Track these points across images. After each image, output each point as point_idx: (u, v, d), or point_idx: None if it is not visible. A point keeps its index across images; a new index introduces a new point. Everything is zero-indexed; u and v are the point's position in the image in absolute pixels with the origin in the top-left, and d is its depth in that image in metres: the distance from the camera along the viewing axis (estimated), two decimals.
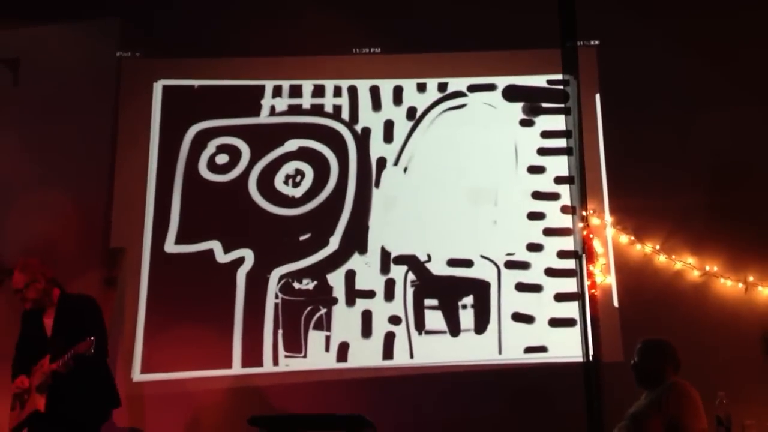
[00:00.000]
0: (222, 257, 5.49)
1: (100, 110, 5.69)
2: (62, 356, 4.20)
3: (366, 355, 5.28)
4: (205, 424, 5.11)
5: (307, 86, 5.80)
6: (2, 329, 4.84)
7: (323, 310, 5.37)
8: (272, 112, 5.76)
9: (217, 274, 5.44)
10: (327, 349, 5.30)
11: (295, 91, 5.79)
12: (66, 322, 4.36)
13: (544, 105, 5.70)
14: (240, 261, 5.48)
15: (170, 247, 5.52)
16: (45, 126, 5.61)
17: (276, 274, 5.45)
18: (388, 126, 5.71)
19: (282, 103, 5.78)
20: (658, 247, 5.29)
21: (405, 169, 5.63)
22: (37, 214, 5.42)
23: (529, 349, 5.24)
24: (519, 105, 5.71)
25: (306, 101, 5.78)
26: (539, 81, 5.74)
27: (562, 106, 5.66)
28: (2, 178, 5.52)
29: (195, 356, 5.26)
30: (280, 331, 5.35)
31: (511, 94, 5.72)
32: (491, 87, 5.75)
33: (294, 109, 5.77)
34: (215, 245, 5.51)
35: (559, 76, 5.71)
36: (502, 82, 5.75)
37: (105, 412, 4.54)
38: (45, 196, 5.41)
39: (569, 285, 5.32)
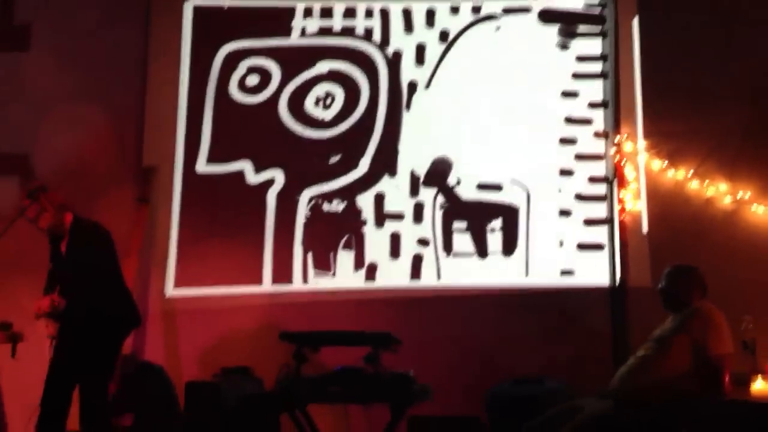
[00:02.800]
0: (252, 177, 5.54)
1: (132, 28, 5.69)
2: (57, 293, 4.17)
3: (394, 275, 5.35)
4: (236, 338, 5.24)
5: (339, 7, 5.73)
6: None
7: (353, 231, 5.42)
8: (303, 33, 5.72)
9: (247, 194, 5.50)
10: (356, 268, 5.38)
11: (326, 13, 5.73)
12: (73, 252, 4.23)
13: (580, 28, 5.57)
14: (270, 182, 5.53)
15: (202, 166, 5.58)
16: (78, 43, 5.63)
17: (306, 194, 5.50)
18: (420, 49, 5.64)
19: (313, 25, 5.73)
20: (691, 172, 5.22)
21: (436, 93, 5.58)
22: (71, 131, 5.49)
23: (556, 273, 5.26)
24: (554, 28, 5.59)
25: (337, 23, 5.73)
26: (576, 3, 5.60)
27: (599, 29, 5.52)
28: (36, 95, 5.57)
29: (226, 273, 5.38)
30: (310, 251, 5.42)
31: (547, 16, 5.58)
32: (526, 9, 5.64)
33: (325, 31, 5.72)
34: (246, 165, 5.55)
35: None
36: (537, 4, 5.62)
37: (123, 331, 4.41)
38: (78, 113, 5.47)
39: (599, 210, 5.28)
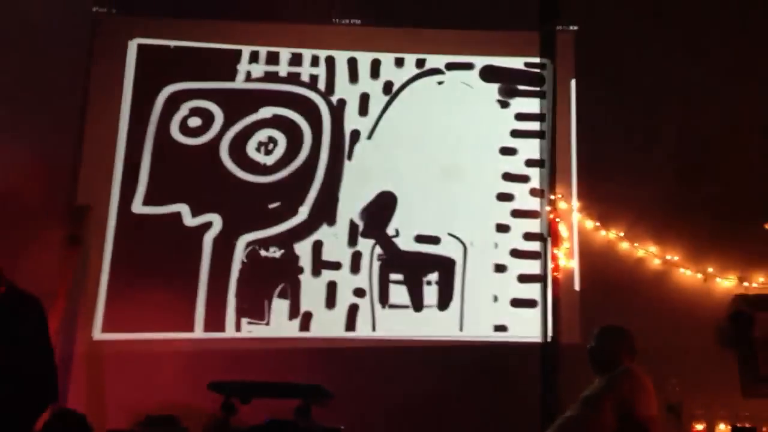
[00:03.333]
0: (190, 221, 5.46)
1: (73, 64, 5.58)
2: None
3: (329, 325, 5.31)
4: (165, 385, 5.09)
5: (285, 54, 5.75)
6: None
7: (288, 279, 5.38)
8: (248, 77, 5.72)
9: (183, 238, 5.41)
10: (290, 317, 5.32)
11: (273, 58, 5.75)
12: (4, 326, 3.92)
13: (520, 87, 5.72)
14: (208, 225, 5.46)
15: (138, 207, 5.47)
16: (15, 79, 5.50)
17: (243, 240, 5.44)
18: (364, 99, 5.70)
19: (258, 69, 5.74)
20: (622, 234, 5.38)
21: (378, 143, 5.63)
22: (2, 167, 5.33)
23: (489, 328, 5.31)
24: (495, 85, 5.72)
25: (283, 69, 5.75)
26: (517, 63, 5.76)
27: (538, 89, 5.69)
28: None
29: (157, 318, 5.24)
30: (245, 298, 5.35)
31: (488, 74, 5.73)
32: (469, 66, 5.76)
33: (270, 76, 5.73)
34: (183, 208, 5.47)
35: (537, 59, 5.73)
36: (480, 61, 5.75)
37: (41, 406, 4.33)
38: (11, 149, 5.31)
39: (533, 267, 5.38)
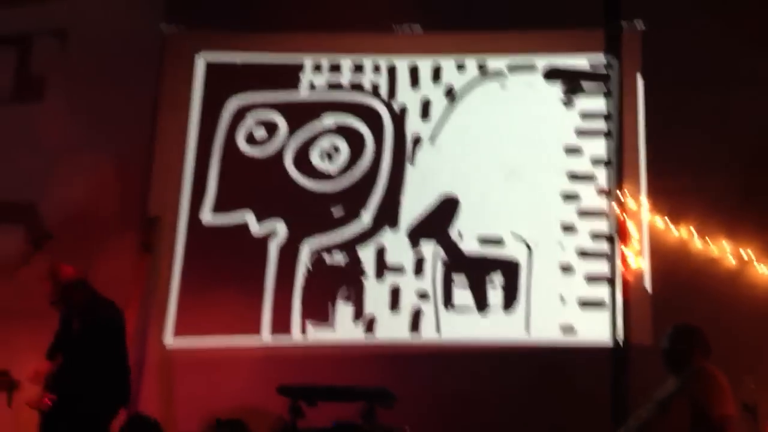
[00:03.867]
0: (256, 228, 5.57)
1: (144, 80, 5.82)
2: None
3: (393, 329, 5.32)
4: (233, 388, 5.18)
5: (347, 63, 5.83)
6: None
7: (352, 284, 5.41)
8: (311, 87, 5.81)
9: (250, 245, 5.53)
10: (355, 321, 5.35)
11: (335, 68, 5.83)
12: (86, 333, 4.18)
13: (585, 86, 5.62)
14: (273, 232, 5.56)
15: (206, 216, 5.63)
16: (90, 94, 5.77)
17: (307, 246, 5.51)
18: (426, 104, 5.71)
19: (321, 79, 5.83)
20: (693, 231, 5.18)
21: (440, 147, 5.62)
22: (78, 180, 5.58)
23: (557, 330, 5.20)
24: (559, 85, 5.64)
25: (345, 78, 5.83)
26: (581, 62, 5.66)
27: (603, 87, 5.57)
28: (46, 145, 5.69)
29: (226, 323, 5.37)
30: (310, 303, 5.41)
31: (552, 75, 5.66)
32: (531, 67, 5.70)
33: (333, 86, 5.81)
34: (249, 217, 5.59)
35: (601, 58, 5.61)
36: (542, 62, 5.69)
37: (112, 409, 4.36)
38: (86, 163, 5.56)
39: (601, 267, 5.25)
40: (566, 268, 5.30)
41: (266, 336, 5.37)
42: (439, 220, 5.49)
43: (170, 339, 5.42)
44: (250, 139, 5.76)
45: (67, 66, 5.92)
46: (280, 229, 5.56)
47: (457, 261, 5.40)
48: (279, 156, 5.69)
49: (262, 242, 5.53)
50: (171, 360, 5.38)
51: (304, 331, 5.37)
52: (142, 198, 5.64)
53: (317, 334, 5.35)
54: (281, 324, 5.38)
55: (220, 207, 5.64)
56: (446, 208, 5.52)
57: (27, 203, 5.67)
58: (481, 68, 5.74)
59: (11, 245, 5.41)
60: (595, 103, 5.59)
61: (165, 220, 5.60)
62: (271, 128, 5.77)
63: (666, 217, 5.25)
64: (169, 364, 5.37)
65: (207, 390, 5.23)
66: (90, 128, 5.66)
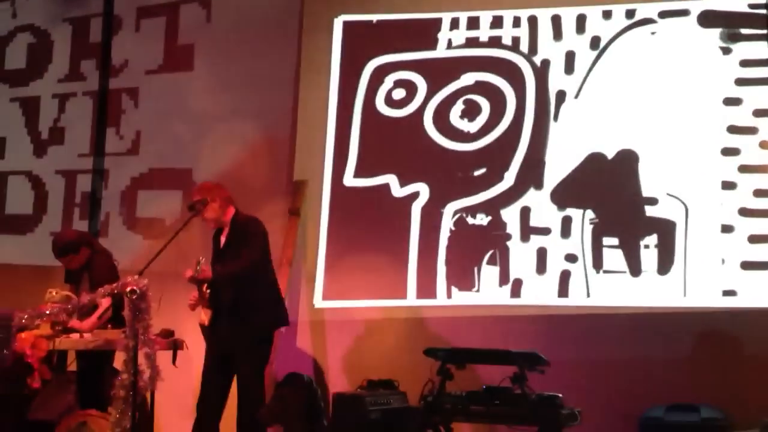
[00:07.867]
0: (398, 191, 5.60)
1: (285, 46, 5.93)
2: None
3: (540, 292, 5.22)
4: (380, 350, 5.31)
5: (485, 17, 5.67)
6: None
7: (497, 246, 5.34)
8: (449, 45, 5.71)
9: (392, 208, 5.57)
10: (500, 284, 5.30)
11: (473, 23, 5.69)
12: (232, 241, 4.59)
13: (744, 31, 5.21)
14: (415, 195, 5.56)
15: (349, 180, 5.71)
16: (235, 62, 5.94)
17: (450, 208, 5.48)
18: (570, 57, 5.47)
19: (459, 36, 5.71)
20: None
21: (586, 103, 5.39)
22: (229, 147, 5.80)
23: (717, 294, 4.93)
24: (715, 31, 5.25)
25: (483, 33, 5.67)
26: (739, 4, 5.23)
27: (764, 32, 5.14)
28: (198, 112, 5.94)
29: (372, 286, 5.47)
30: (454, 266, 5.39)
31: (707, 19, 5.27)
32: (684, 12, 5.33)
33: (471, 42, 5.69)
34: (391, 179, 5.62)
35: None
36: (696, 6, 5.30)
37: (273, 324, 4.73)
38: (236, 130, 5.77)
39: (765, 226, 4.91)
40: (727, 228, 5.01)
41: (412, 300, 5.41)
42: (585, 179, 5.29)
43: (320, 301, 5.58)
44: (390, 101, 5.75)
45: (213, 35, 6.11)
46: (422, 191, 5.56)
47: (607, 222, 5.20)
48: (418, 117, 5.65)
49: (405, 204, 5.55)
50: (321, 321, 5.56)
51: (449, 295, 5.37)
52: (289, 163, 5.79)
53: (462, 298, 5.34)
54: (427, 288, 5.40)
55: (362, 170, 5.70)
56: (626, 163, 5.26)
57: (184, 169, 5.96)
58: (630, 15, 5.43)
59: (171, 209, 5.75)
60: (755, 49, 5.17)
61: (310, 184, 5.73)
62: (410, 88, 5.73)
63: None
64: (319, 325, 5.55)
65: (356, 352, 5.39)
66: (237, 96, 5.86)
